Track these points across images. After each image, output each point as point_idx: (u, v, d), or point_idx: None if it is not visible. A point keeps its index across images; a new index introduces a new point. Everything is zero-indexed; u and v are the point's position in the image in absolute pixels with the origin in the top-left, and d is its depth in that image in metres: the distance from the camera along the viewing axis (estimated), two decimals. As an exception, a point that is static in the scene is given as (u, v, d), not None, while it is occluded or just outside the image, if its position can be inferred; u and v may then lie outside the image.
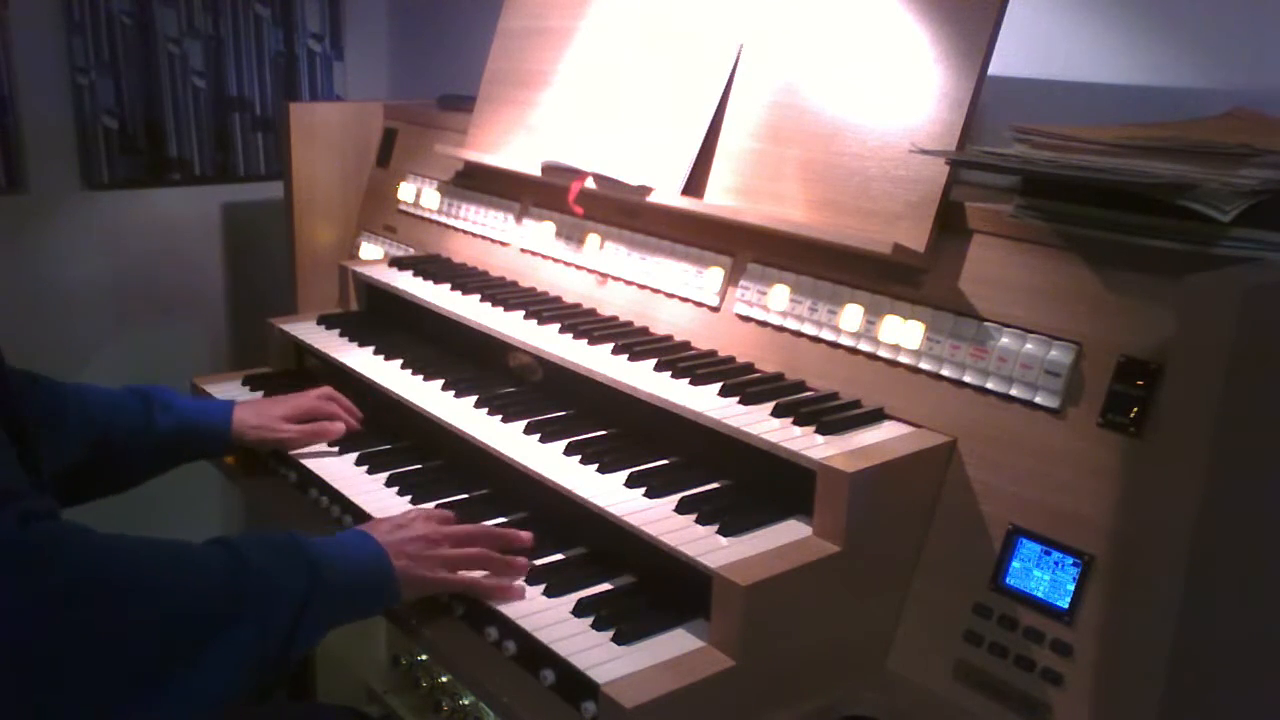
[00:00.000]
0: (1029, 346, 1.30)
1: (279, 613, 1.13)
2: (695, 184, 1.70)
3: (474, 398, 1.66)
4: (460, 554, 1.33)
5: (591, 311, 1.84)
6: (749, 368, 1.58)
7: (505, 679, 1.24)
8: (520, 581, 1.34)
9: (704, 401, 1.44)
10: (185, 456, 1.69)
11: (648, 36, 1.83)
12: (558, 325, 1.74)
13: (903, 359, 1.42)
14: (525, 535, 1.41)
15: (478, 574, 1.33)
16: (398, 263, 2.12)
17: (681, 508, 1.34)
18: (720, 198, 1.68)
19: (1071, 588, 1.22)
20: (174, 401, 1.67)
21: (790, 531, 1.30)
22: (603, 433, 1.56)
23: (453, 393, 1.70)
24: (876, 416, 1.41)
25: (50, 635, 0.97)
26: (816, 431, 1.35)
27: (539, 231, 2.00)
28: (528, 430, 1.56)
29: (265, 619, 1.12)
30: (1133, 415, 1.20)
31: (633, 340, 1.66)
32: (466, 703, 2.05)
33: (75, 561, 1.01)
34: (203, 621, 1.07)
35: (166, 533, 1.17)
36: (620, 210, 1.84)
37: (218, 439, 1.69)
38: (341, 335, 1.99)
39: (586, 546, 1.44)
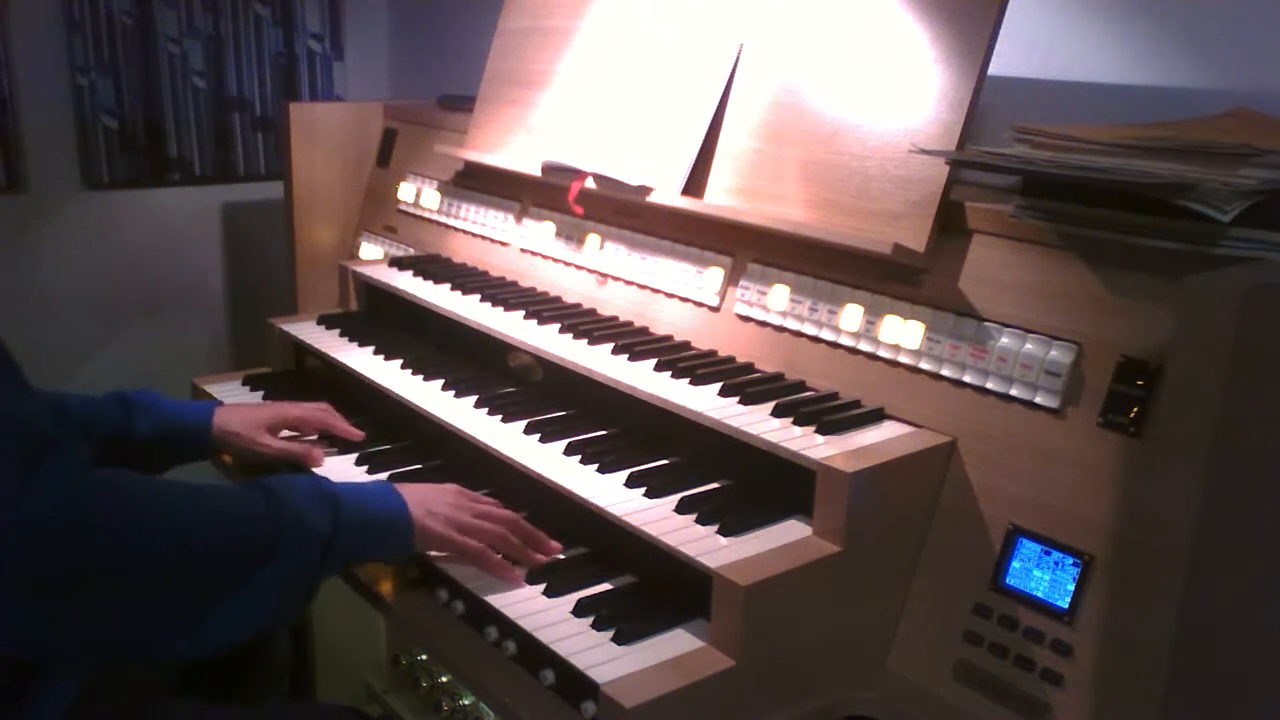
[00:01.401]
0: (1029, 346, 1.30)
1: (309, 547, 1.22)
2: (695, 184, 1.70)
3: (474, 398, 1.66)
4: (479, 525, 1.37)
5: (591, 311, 1.84)
6: (749, 368, 1.58)
7: (505, 679, 1.24)
8: (520, 575, 1.35)
9: (704, 401, 1.44)
10: (168, 461, 1.68)
11: (647, 36, 1.83)
12: (558, 325, 1.74)
13: (903, 359, 1.42)
14: (555, 545, 1.42)
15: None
16: (398, 263, 2.12)
17: (681, 508, 1.34)
18: (720, 198, 1.68)
19: (1071, 588, 1.22)
20: (156, 405, 1.65)
21: (790, 531, 1.31)
22: (603, 433, 1.56)
23: (453, 393, 1.70)
24: (876, 416, 1.41)
25: (114, 567, 1.06)
26: (816, 431, 1.35)
27: (539, 231, 2.00)
28: (528, 430, 1.56)
29: (299, 553, 1.21)
30: (1133, 415, 1.20)
31: (633, 340, 1.66)
32: (466, 703, 2.05)
33: (138, 500, 1.10)
34: (249, 553, 1.17)
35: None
36: (620, 210, 1.84)
37: (199, 442, 1.68)
38: (341, 335, 1.99)
39: (586, 546, 1.44)
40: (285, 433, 1.73)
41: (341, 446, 1.73)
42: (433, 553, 1.38)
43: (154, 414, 1.64)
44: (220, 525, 1.17)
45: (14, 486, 0.99)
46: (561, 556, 1.42)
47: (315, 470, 1.64)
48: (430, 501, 1.37)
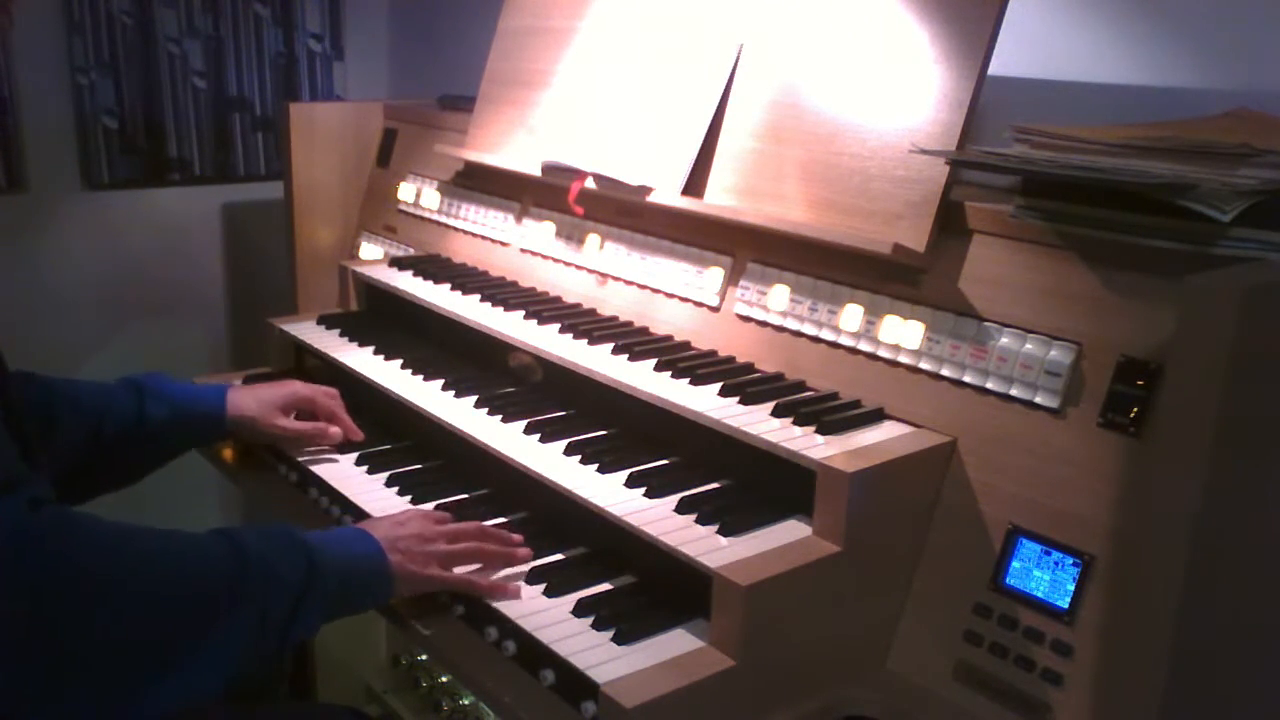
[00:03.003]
0: (1029, 346, 1.30)
1: (278, 602, 1.15)
2: (695, 184, 1.70)
3: (474, 398, 1.66)
4: (454, 549, 1.33)
5: (591, 311, 1.84)
6: (749, 368, 1.58)
7: (505, 679, 1.24)
8: (519, 581, 1.34)
9: (704, 401, 1.44)
10: (183, 445, 1.67)
11: (647, 36, 1.83)
12: (558, 325, 1.74)
13: (903, 359, 1.42)
14: (516, 538, 1.40)
15: (473, 572, 1.34)
16: (398, 263, 2.12)
17: (681, 508, 1.34)
18: (720, 198, 1.68)
19: (1071, 588, 1.22)
20: (166, 389, 1.64)
21: (790, 531, 1.31)
22: (603, 433, 1.56)
23: (453, 393, 1.70)
24: (876, 416, 1.41)
25: (58, 618, 0.99)
26: (816, 431, 1.35)
27: (539, 231, 2.00)
28: (528, 430, 1.56)
29: (265, 608, 1.14)
30: (1133, 415, 1.20)
31: (633, 340, 1.66)
32: (466, 703, 2.05)
33: (84, 545, 1.03)
34: (205, 608, 1.09)
35: (166, 532, 1.17)
36: (620, 210, 1.84)
37: (214, 425, 1.68)
38: (341, 335, 1.99)
39: (586, 546, 1.44)
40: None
41: (341, 446, 1.73)
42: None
43: (166, 399, 1.63)
44: (178, 573, 1.09)
45: None
46: (561, 556, 1.42)
47: (327, 446, 1.67)
48: (401, 541, 1.30)
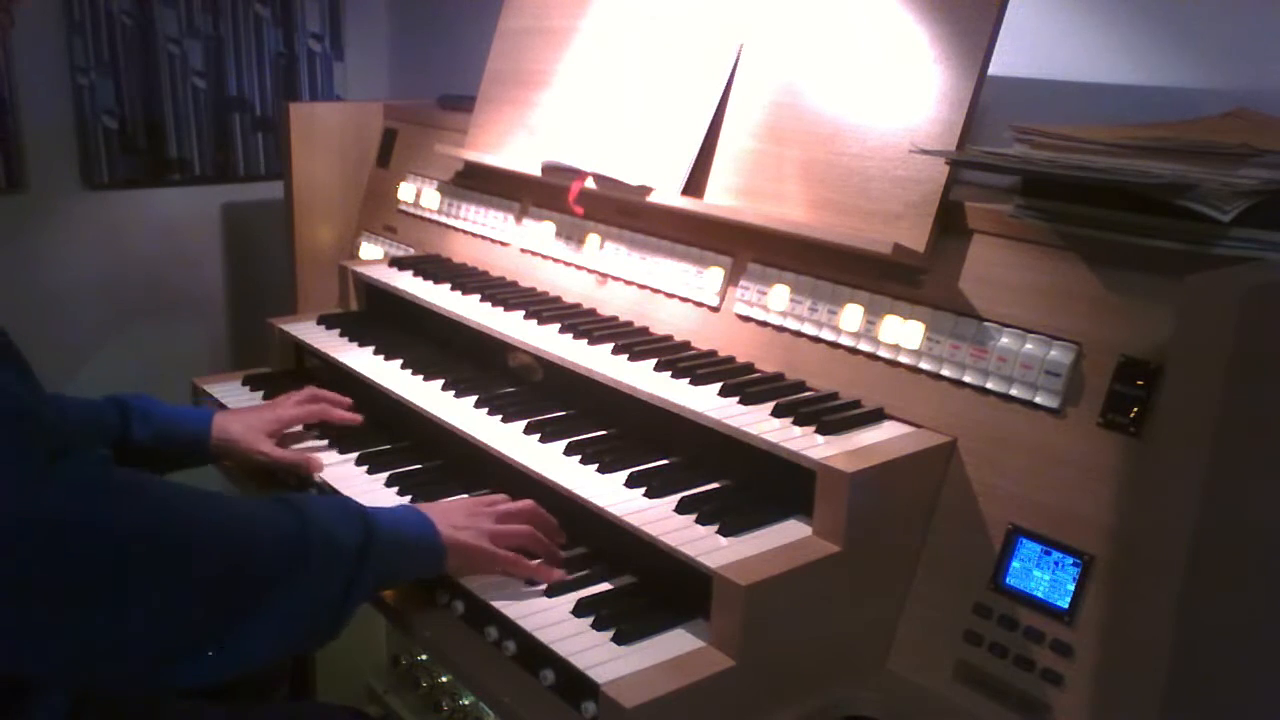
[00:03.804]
0: (1029, 346, 1.30)
1: (338, 566, 1.17)
2: (695, 184, 1.70)
3: (474, 398, 1.66)
4: (507, 530, 1.35)
5: (591, 311, 1.84)
6: (749, 368, 1.58)
7: (505, 679, 1.24)
8: (556, 572, 1.35)
9: (704, 401, 1.44)
10: (166, 467, 1.66)
11: (648, 36, 1.83)
12: (558, 325, 1.74)
13: (903, 359, 1.42)
14: (559, 536, 1.42)
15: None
16: (398, 263, 2.12)
17: (681, 508, 1.34)
18: (720, 198, 1.68)
19: (1071, 588, 1.22)
20: (153, 411, 1.64)
21: (790, 531, 1.31)
22: (603, 433, 1.56)
23: (453, 393, 1.70)
24: (876, 416, 1.41)
25: (129, 574, 1.00)
26: (816, 431, 1.35)
27: (539, 231, 2.00)
28: (528, 430, 1.56)
29: (326, 571, 1.16)
30: (1133, 415, 1.20)
31: (633, 340, 1.66)
32: (466, 703, 2.05)
33: (157, 503, 1.05)
34: (272, 572, 1.11)
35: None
36: (620, 210, 1.84)
37: (198, 448, 1.67)
38: (341, 335, 1.99)
39: (586, 546, 1.44)
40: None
41: (341, 447, 1.73)
42: (472, 575, 1.34)
43: (152, 420, 1.63)
44: (245, 536, 1.11)
45: (37, 479, 0.95)
46: (562, 554, 1.42)
47: (316, 475, 1.64)
48: (451, 515, 1.34)
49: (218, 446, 1.67)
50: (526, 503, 1.42)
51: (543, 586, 1.33)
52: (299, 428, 1.76)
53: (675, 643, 1.23)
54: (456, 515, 1.35)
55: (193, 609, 1.05)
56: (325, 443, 1.75)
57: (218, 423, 1.68)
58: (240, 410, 1.76)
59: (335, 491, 1.59)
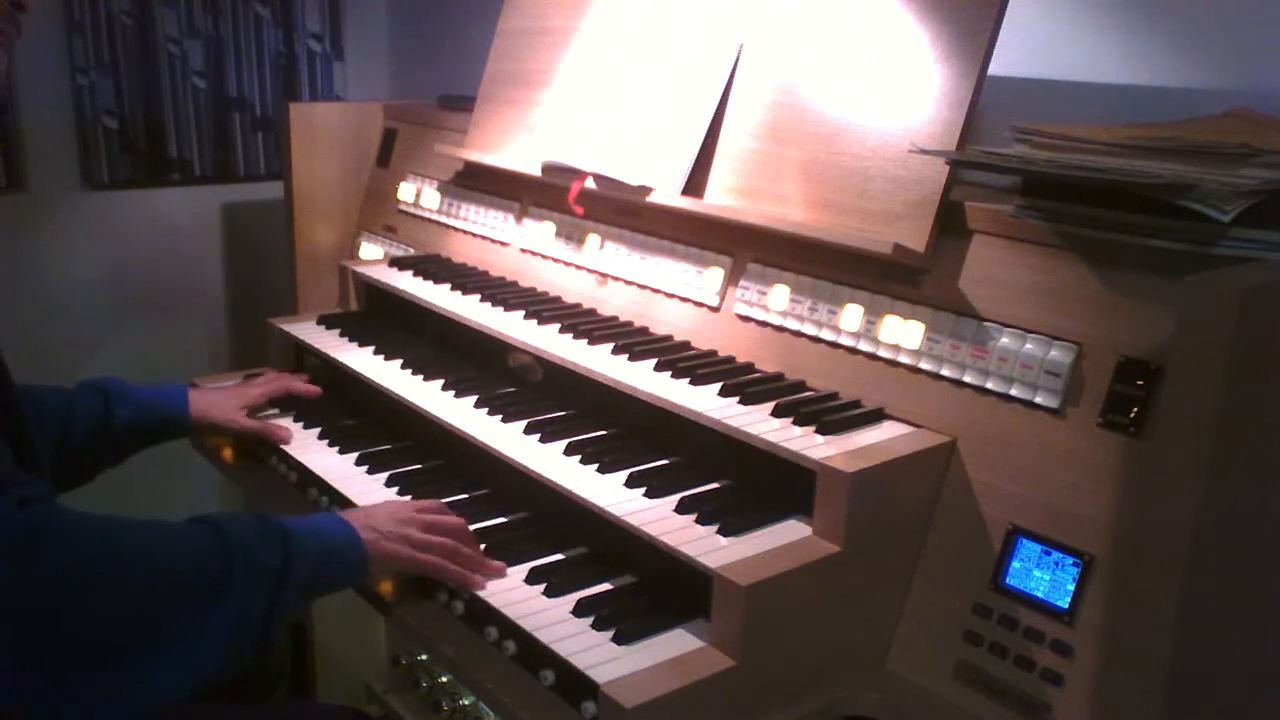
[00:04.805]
0: (1029, 346, 1.30)
1: (259, 587, 1.18)
2: (695, 184, 1.70)
3: (474, 398, 1.66)
4: (427, 539, 1.34)
5: (591, 311, 1.84)
6: (749, 368, 1.58)
7: (505, 679, 1.24)
8: (481, 581, 1.34)
9: (704, 401, 1.44)
10: (146, 444, 1.72)
11: (648, 36, 1.83)
12: (558, 325, 1.74)
13: (903, 359, 1.42)
14: (496, 565, 1.38)
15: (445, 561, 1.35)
16: (398, 263, 2.12)
17: (681, 508, 1.34)
18: (720, 198, 1.68)
19: (1071, 588, 1.22)
20: (130, 392, 1.69)
21: (790, 531, 1.30)
22: (603, 433, 1.56)
23: (453, 393, 1.70)
24: (876, 416, 1.41)
25: (50, 614, 1.02)
26: (816, 431, 1.35)
27: (539, 231, 2.00)
28: (528, 430, 1.56)
29: (247, 593, 1.16)
30: (1133, 415, 1.20)
31: (633, 340, 1.66)
32: (466, 703, 2.05)
33: (71, 542, 1.06)
34: (194, 596, 1.12)
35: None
36: (620, 210, 1.84)
37: (178, 425, 1.74)
38: (341, 335, 1.99)
39: (586, 546, 1.44)
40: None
41: (342, 446, 1.73)
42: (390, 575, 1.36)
43: (131, 401, 1.68)
44: (166, 560, 1.13)
45: None
46: (561, 556, 1.42)
47: (283, 445, 1.74)
48: (376, 520, 1.33)
49: (194, 421, 1.75)
50: (455, 519, 1.40)
51: (542, 586, 1.33)
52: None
53: (675, 643, 1.23)
54: (381, 520, 1.34)
55: (118, 639, 1.06)
56: (301, 424, 1.82)
57: (193, 399, 1.76)
58: (211, 388, 1.85)
59: (336, 491, 1.59)
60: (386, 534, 1.32)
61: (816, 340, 1.53)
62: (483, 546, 1.41)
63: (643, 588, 1.35)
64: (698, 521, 1.31)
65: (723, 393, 1.47)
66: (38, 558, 1.02)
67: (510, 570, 1.38)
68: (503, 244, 2.10)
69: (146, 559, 1.12)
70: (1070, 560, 1.22)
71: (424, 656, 2.13)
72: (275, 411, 1.87)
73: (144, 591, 1.09)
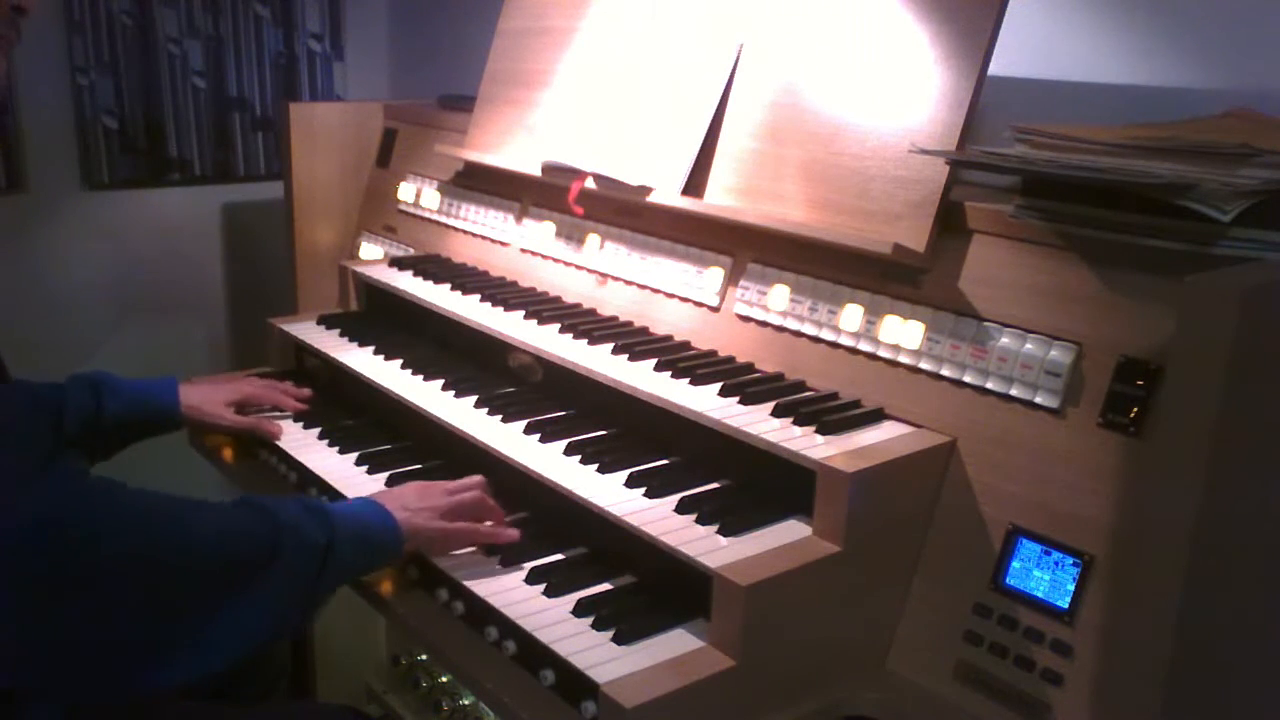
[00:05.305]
0: (1029, 346, 1.30)
1: (307, 562, 1.21)
2: (695, 184, 1.70)
3: (474, 398, 1.66)
4: (453, 502, 1.40)
5: (591, 311, 1.84)
6: (749, 368, 1.58)
7: (505, 679, 1.24)
8: (515, 533, 1.42)
9: (704, 401, 1.44)
10: (137, 437, 1.73)
11: (648, 36, 1.83)
12: (558, 325, 1.74)
13: (903, 359, 1.42)
14: (513, 533, 1.44)
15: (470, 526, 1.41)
16: (398, 263, 2.12)
17: (681, 508, 1.34)
18: (720, 198, 1.68)
19: (1071, 588, 1.22)
20: (120, 385, 1.69)
21: (790, 531, 1.30)
22: (603, 433, 1.56)
23: (453, 393, 1.70)
24: (876, 416, 1.41)
25: (104, 581, 1.05)
26: (816, 431, 1.35)
27: (539, 231, 2.00)
28: (528, 430, 1.56)
29: (295, 568, 1.20)
30: (1133, 415, 1.20)
31: (633, 340, 1.66)
32: (466, 703, 2.05)
33: (139, 508, 1.10)
34: (245, 569, 1.16)
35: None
36: (620, 210, 1.84)
37: (168, 418, 1.74)
38: (341, 335, 1.99)
39: (586, 546, 1.44)
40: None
41: (342, 446, 1.73)
42: (432, 556, 1.39)
43: (121, 394, 1.68)
44: (218, 536, 1.16)
45: (13, 492, 0.99)
46: (561, 556, 1.42)
47: (275, 440, 1.75)
48: (404, 500, 1.39)
49: (184, 415, 1.75)
50: (475, 477, 1.47)
51: (542, 586, 1.33)
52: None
53: (675, 643, 1.23)
54: (409, 498, 1.39)
55: (173, 609, 1.09)
56: (301, 424, 1.82)
57: (184, 392, 1.76)
58: (203, 383, 1.84)
59: (336, 491, 1.59)
60: (416, 510, 1.37)
61: (816, 340, 1.53)
62: (483, 546, 1.41)
63: (643, 588, 1.35)
64: (698, 521, 1.31)
65: (723, 393, 1.47)
66: (100, 521, 1.05)
67: (510, 570, 1.38)
68: (503, 244, 2.10)
69: (198, 531, 1.15)
70: (1070, 560, 1.23)
71: (424, 656, 2.13)
72: (275, 409, 1.87)
73: (194, 563, 1.12)
